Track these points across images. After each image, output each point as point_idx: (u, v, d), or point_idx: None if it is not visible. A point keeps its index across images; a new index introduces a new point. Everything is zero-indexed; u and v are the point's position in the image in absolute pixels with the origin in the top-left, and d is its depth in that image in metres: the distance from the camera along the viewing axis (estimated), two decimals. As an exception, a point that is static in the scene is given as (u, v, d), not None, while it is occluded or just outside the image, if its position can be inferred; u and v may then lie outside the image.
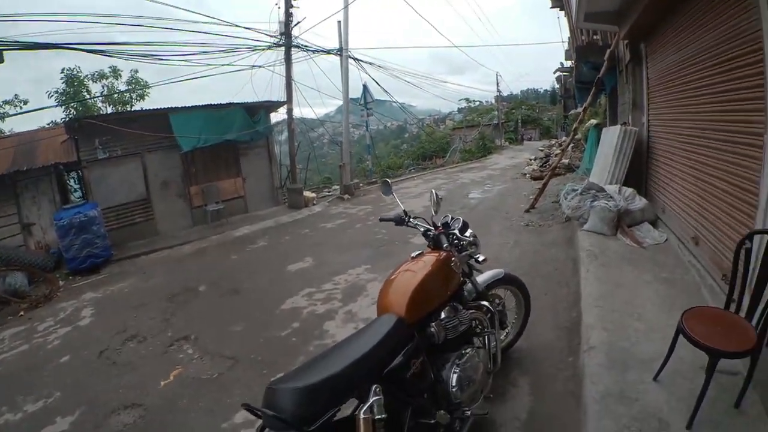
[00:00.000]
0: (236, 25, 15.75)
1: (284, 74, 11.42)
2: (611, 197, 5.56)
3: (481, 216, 8.14)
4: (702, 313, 2.34)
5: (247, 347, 3.82)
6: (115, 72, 14.42)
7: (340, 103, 13.56)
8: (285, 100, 11.46)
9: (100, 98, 13.86)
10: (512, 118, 35.04)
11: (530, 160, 15.84)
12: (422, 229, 2.63)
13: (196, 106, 9.58)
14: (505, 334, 3.23)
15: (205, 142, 9.29)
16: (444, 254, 2.39)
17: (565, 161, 11.34)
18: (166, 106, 9.31)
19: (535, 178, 11.66)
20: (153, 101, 10.06)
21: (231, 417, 2.85)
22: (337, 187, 13.22)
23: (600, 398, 2.50)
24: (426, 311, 2.14)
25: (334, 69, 13.17)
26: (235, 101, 10.19)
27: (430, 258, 2.36)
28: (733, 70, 3.28)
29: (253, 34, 26.17)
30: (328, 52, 12.42)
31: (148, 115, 9.20)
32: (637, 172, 6.30)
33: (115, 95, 13.76)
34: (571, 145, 12.20)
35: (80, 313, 5.38)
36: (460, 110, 44.21)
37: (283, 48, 11.31)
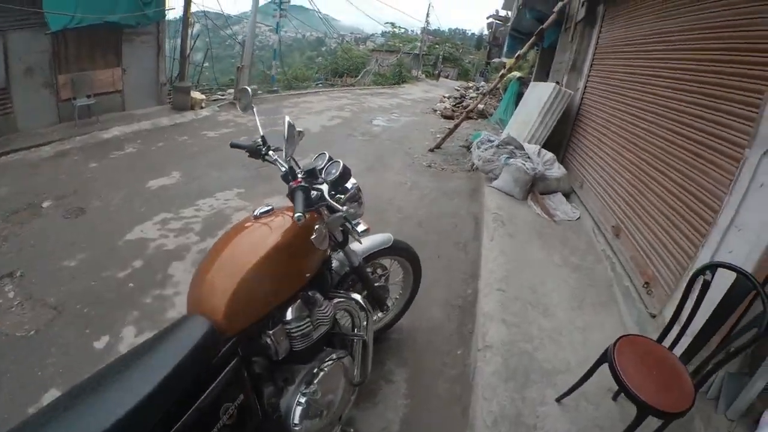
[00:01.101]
0: None
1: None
2: (529, 158, 4.96)
3: (382, 147, 7.36)
4: (634, 344, 1.84)
5: (76, 292, 3.02)
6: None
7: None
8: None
9: None
10: (434, 53, 34.15)
11: (444, 97, 15.05)
12: (283, 170, 1.60)
13: None
14: (382, 314, 2.39)
15: (80, 21, 7.12)
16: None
17: (480, 107, 10.75)
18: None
19: (446, 117, 10.97)
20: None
21: (39, 398, 2.16)
22: (233, 91, 11.26)
23: (492, 423, 1.84)
24: (261, 313, 1.29)
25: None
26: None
27: (280, 223, 1.42)
28: (723, 62, 2.64)
29: None
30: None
31: (14, -16, 6.73)
32: (559, 137, 5.79)
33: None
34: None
35: None
36: (383, 34, 42.09)
37: None
